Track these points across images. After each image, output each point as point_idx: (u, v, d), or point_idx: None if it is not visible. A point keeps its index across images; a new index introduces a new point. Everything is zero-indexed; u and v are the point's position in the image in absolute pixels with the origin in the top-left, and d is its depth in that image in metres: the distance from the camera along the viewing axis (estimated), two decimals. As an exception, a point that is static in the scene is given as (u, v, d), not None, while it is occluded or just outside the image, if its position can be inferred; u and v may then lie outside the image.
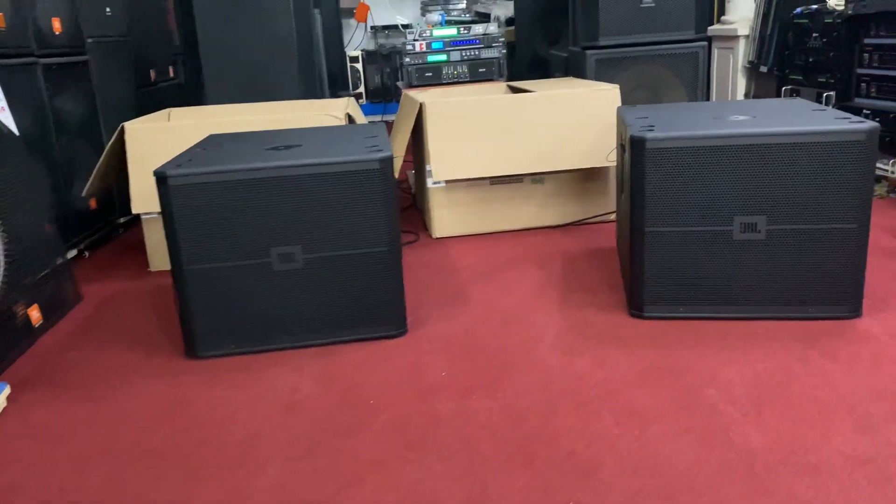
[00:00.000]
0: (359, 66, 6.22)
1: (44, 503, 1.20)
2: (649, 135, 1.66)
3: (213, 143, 1.96)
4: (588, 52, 2.86)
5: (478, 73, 3.00)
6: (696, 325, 1.73)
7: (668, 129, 1.68)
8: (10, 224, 1.83)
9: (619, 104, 2.51)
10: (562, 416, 1.36)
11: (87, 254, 2.64)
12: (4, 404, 1.55)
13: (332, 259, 1.68)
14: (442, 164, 2.49)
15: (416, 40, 2.96)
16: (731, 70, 4.05)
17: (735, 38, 3.96)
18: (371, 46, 6.35)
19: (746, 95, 3.94)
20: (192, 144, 2.10)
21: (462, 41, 2.97)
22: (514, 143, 2.50)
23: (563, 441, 1.28)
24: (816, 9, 3.21)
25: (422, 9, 6.16)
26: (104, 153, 2.32)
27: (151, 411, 1.49)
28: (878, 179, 2.85)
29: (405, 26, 6.34)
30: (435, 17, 3.39)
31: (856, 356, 1.53)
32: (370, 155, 1.65)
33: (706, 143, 1.64)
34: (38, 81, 2.36)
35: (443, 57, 2.96)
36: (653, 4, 2.80)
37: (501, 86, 2.98)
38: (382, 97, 6.18)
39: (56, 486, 1.25)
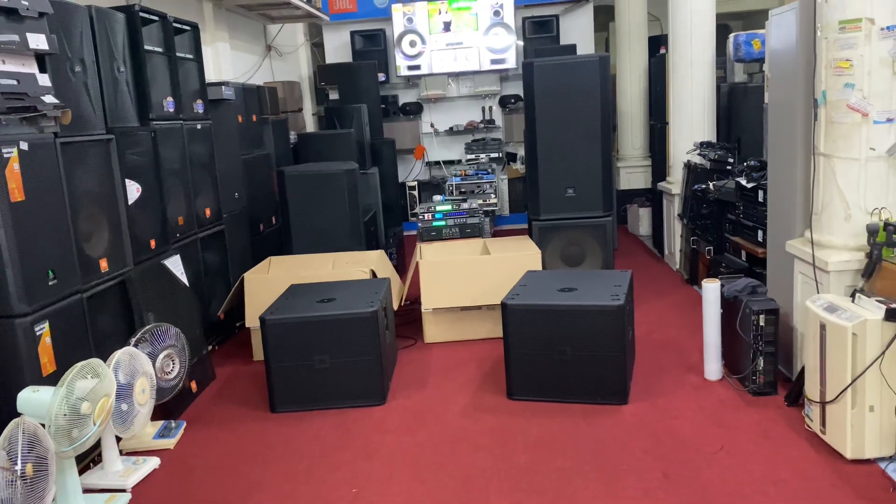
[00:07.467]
0: (416, 192, 7.96)
1: (208, 467, 2.79)
2: (510, 302, 3.17)
3: (292, 293, 3.59)
4: (534, 222, 4.39)
5: (465, 232, 4.57)
6: (536, 405, 3.16)
7: (521, 299, 3.18)
8: (188, 339, 3.50)
9: (539, 263, 4.01)
10: (448, 445, 2.85)
11: (216, 347, 4.32)
12: (182, 430, 3.17)
13: (343, 362, 3.24)
14: (429, 298, 4.05)
15: (425, 213, 4.58)
16: (672, 217, 5.46)
17: (672, 194, 5.39)
18: (426, 177, 8.09)
19: (681, 238, 5.32)
20: (281, 289, 3.74)
21: (455, 213, 4.57)
22: (475, 286, 4.03)
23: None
24: (703, 188, 4.62)
25: (465, 149, 7.90)
26: (232, 290, 4.02)
27: (248, 438, 3.07)
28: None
29: (449, 162, 8.09)
30: (438, 197, 5.03)
31: (605, 423, 2.93)
32: (366, 308, 3.23)
33: (537, 308, 3.13)
34: (198, 249, 4.10)
35: (442, 223, 4.56)
36: (574, 194, 4.31)
37: (480, 242, 4.55)
38: (433, 217, 7.84)
39: (206, 465, 2.84)
